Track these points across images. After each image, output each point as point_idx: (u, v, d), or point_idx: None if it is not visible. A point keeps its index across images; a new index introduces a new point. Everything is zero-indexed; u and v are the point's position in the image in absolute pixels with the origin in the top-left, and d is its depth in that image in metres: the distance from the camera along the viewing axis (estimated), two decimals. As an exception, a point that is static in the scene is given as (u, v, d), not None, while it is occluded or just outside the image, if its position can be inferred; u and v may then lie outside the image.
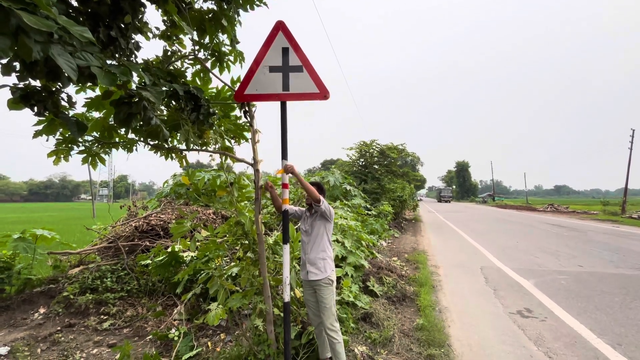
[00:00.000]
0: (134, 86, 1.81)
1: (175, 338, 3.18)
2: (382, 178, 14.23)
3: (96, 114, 2.63)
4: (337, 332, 2.52)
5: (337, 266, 4.35)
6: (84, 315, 3.70)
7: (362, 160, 14.99)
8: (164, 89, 1.92)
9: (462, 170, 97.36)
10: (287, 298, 2.49)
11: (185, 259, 4.05)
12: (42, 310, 3.74)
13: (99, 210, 23.79)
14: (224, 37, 2.80)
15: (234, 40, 2.74)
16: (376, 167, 14.93)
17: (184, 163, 2.95)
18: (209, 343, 3.16)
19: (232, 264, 3.53)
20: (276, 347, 2.77)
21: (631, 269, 6.35)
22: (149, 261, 4.13)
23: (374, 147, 14.68)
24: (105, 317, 3.65)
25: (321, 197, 2.64)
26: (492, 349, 3.22)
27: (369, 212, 9.44)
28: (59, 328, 3.44)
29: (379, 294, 4.41)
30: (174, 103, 2.42)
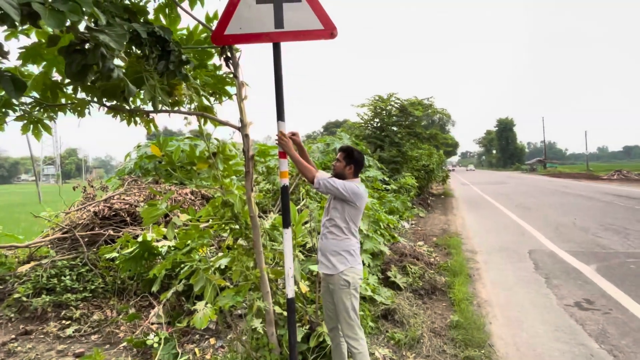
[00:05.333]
0: (82, 27, 1.75)
1: (155, 345, 3.32)
2: (403, 143, 14.13)
3: (33, 68, 2.57)
4: (359, 340, 2.57)
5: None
6: (41, 320, 3.85)
7: (378, 120, 14.81)
8: (118, 22, 1.86)
9: (505, 130, 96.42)
10: (290, 294, 2.56)
11: (160, 250, 4.13)
12: (-10, 316, 3.88)
13: (46, 194, 24.07)
14: (194, -43, 2.67)
15: (207, -39, 2.61)
16: (395, 128, 14.77)
17: (153, 129, 2.93)
18: (196, 350, 3.30)
19: (220, 254, 3.60)
20: (279, 352, 2.89)
21: None
22: (115, 254, 4.22)
23: (393, 103, 14.45)
24: (67, 322, 3.79)
25: (317, 175, 2.59)
26: (544, 348, 3.35)
27: (387, 187, 9.48)
28: (13, 336, 3.59)
29: (403, 286, 4.53)
30: (134, 49, 2.36)
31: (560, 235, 8.04)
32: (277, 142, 2.58)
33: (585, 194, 17.18)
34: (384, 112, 14.68)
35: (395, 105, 14.54)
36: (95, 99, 2.56)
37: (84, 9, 1.49)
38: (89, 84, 2.47)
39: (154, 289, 4.01)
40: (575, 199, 15.25)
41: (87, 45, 1.73)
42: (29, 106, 2.63)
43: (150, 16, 2.81)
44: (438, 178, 21.07)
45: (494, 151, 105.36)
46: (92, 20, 1.81)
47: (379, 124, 14.83)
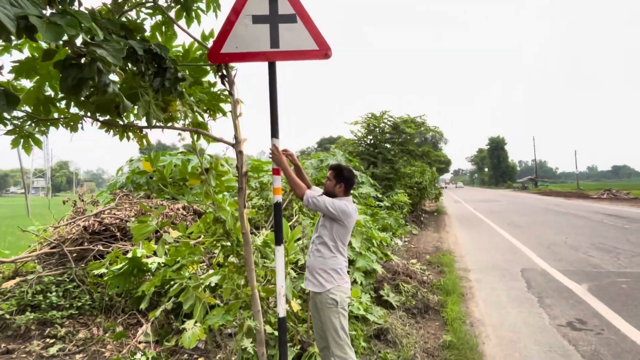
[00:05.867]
0: (78, 42, 1.75)
1: (142, 365, 3.23)
2: (396, 160, 14.25)
3: (26, 83, 2.57)
4: None
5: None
6: (24, 338, 3.74)
7: (371, 137, 14.96)
8: (115, 39, 1.87)
9: (496, 148, 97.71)
10: (282, 313, 2.53)
11: (150, 266, 4.07)
12: (-30, 334, 3.76)
13: (35, 207, 23.70)
14: (192, -22, 2.73)
15: (205, -19, 2.66)
16: (388, 146, 14.92)
17: (145, 144, 2.92)
18: (185, 370, 3.21)
19: (211, 271, 3.55)
20: (269, 373, 2.82)
21: None
22: (103, 270, 4.14)
23: (386, 121, 14.62)
24: (51, 341, 3.68)
25: (306, 193, 2.62)
26: (537, 370, 3.31)
27: (380, 204, 9.49)
28: (-7, 355, 3.48)
29: (396, 305, 4.49)
30: (130, 66, 2.37)
31: (552, 253, 8.07)
32: (270, 156, 2.60)
33: (576, 212, 17.35)
34: (377, 129, 14.85)
35: (388, 123, 14.72)
36: (89, 114, 2.57)
37: (82, 24, 1.50)
38: (82, 98, 2.49)
39: (143, 306, 3.92)
40: (566, 217, 15.38)
41: (83, 60, 1.73)
42: (20, 120, 2.61)
43: (147, 33, 2.86)
44: (431, 195, 21.17)
45: (486, 169, 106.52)
46: (89, 35, 1.83)
47: (372, 141, 14.96)
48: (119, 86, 2.55)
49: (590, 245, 8.81)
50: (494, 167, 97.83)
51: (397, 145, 15.07)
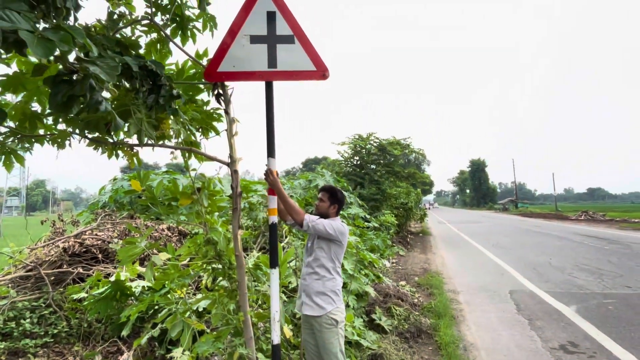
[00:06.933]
0: (71, 58, 1.69)
1: (123, 397, 3.03)
2: (382, 181, 14.35)
3: (11, 98, 2.48)
4: None
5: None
6: (-7, 370, 3.47)
7: (357, 158, 15.08)
8: (110, 55, 1.82)
9: (477, 170, 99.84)
10: (276, 340, 2.42)
11: (134, 290, 3.88)
12: None
13: (8, 227, 22.74)
14: (189, -4, 2.72)
15: (203, 1, 2.66)
16: (374, 167, 15.05)
17: (136, 163, 2.83)
18: (169, 402, 3.02)
19: (199, 295, 3.41)
20: (261, 404, 2.68)
21: (688, 289, 6.64)
22: (83, 294, 3.93)
23: (372, 142, 14.80)
24: (23, 373, 3.43)
25: (306, 218, 2.59)
26: (534, 396, 3.25)
27: (368, 224, 9.46)
28: (-42, 390, 3.20)
29: (388, 329, 4.39)
30: (124, 82, 2.31)
31: (538, 275, 8.13)
32: (265, 178, 2.55)
33: (556, 233, 17.67)
34: (364, 150, 14.99)
35: (374, 144, 14.89)
36: (77, 131, 2.48)
37: (75, 39, 1.44)
38: (72, 115, 2.40)
39: (124, 333, 3.71)
40: (548, 238, 15.64)
41: (75, 76, 1.67)
42: (3, 136, 2.50)
43: (142, 51, 2.82)
44: (416, 216, 21.31)
45: (468, 190, 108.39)
46: (83, 51, 1.77)
47: (358, 162, 15.09)
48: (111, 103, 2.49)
49: (575, 267, 8.93)
50: (476, 188, 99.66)
51: (383, 166, 15.22)
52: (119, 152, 2.82)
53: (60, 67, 1.77)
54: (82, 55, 1.78)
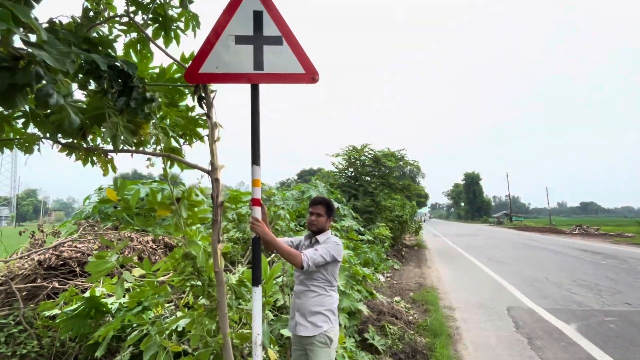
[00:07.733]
0: (17, 42, 1.48)
1: None
2: (376, 193, 14.17)
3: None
4: None
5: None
6: (-48, 395, 3.19)
7: (352, 170, 14.92)
8: (74, 50, 1.63)
9: (472, 183, 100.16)
10: (258, 365, 2.19)
11: (110, 307, 3.63)
12: None
13: (-5, 237, 22.18)
14: (170, -6, 2.57)
15: (185, -1, 2.51)
16: (368, 178, 14.90)
17: (110, 170, 2.63)
18: None
19: (178, 314, 3.18)
20: None
21: (689, 307, 6.47)
22: (56, 311, 3.67)
23: (366, 154, 14.67)
24: (-15, 398, 3.16)
25: (304, 259, 2.38)
26: None
27: (362, 237, 9.24)
28: None
29: (382, 349, 4.15)
30: (93, 84, 2.13)
31: (535, 291, 7.93)
32: (251, 228, 2.32)
33: (552, 248, 17.53)
34: (358, 162, 14.85)
35: (369, 156, 14.76)
36: (48, 135, 2.29)
37: (18, 18, 1.24)
38: (44, 117, 2.21)
39: (98, 353, 3.44)
40: (544, 252, 15.48)
41: (20, 63, 1.46)
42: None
43: (120, 52, 2.66)
44: (411, 229, 21.11)
45: (462, 204, 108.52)
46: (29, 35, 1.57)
47: (353, 174, 14.92)
48: (84, 106, 2.30)
49: (572, 282, 8.74)
50: (470, 201, 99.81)
51: (378, 178, 15.07)
52: (94, 158, 2.64)
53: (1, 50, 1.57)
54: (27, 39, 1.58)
